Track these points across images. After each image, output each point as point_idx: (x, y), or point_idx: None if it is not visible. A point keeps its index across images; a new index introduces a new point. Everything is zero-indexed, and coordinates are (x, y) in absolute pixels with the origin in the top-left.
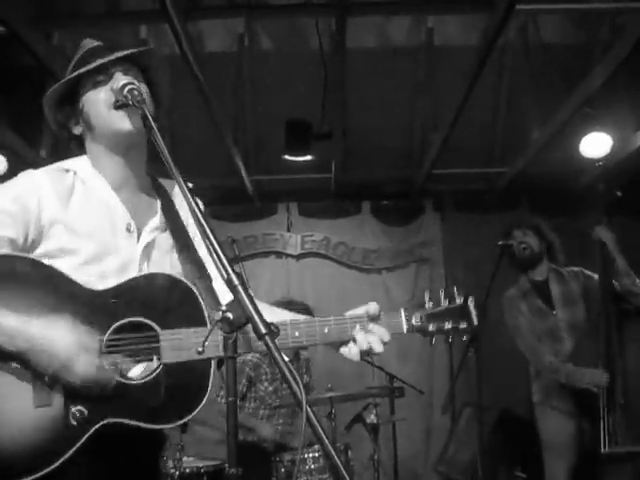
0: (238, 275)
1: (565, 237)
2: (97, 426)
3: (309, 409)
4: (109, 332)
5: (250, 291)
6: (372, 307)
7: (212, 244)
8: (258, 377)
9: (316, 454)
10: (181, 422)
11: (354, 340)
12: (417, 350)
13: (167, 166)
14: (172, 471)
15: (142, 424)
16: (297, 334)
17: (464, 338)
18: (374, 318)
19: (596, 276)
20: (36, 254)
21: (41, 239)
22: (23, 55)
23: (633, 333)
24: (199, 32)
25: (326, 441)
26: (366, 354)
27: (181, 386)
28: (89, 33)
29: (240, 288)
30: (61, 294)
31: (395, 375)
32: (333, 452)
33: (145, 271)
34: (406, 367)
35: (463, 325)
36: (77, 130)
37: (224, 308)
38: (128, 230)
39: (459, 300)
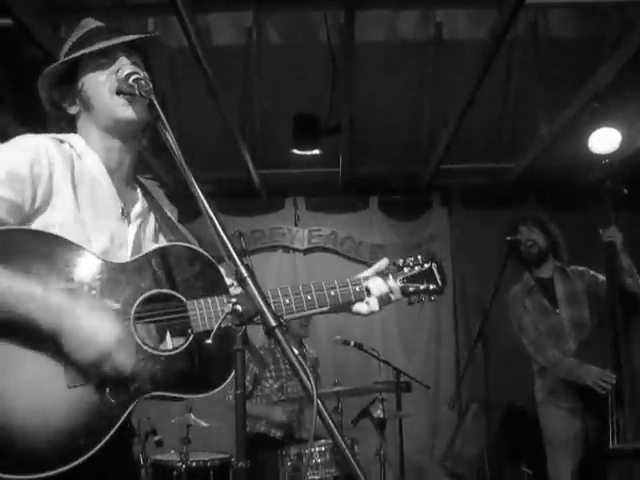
0: (247, 267)
1: (572, 233)
2: (136, 401)
3: (320, 402)
4: (136, 304)
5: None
6: (384, 263)
7: (220, 236)
8: (263, 375)
9: (322, 448)
10: (217, 390)
11: (369, 292)
12: (424, 345)
13: (174, 156)
14: (179, 464)
15: (180, 395)
16: (309, 298)
17: (432, 299)
18: (379, 274)
19: (601, 276)
20: (37, 222)
21: (46, 207)
22: (30, 48)
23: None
24: (207, 25)
25: (337, 435)
26: (385, 300)
27: (213, 354)
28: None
29: (249, 280)
30: (85, 270)
31: (402, 370)
32: (344, 446)
33: (136, 255)
34: (412, 362)
35: (432, 286)
36: (73, 110)
37: (233, 300)
38: (122, 214)
39: (427, 265)
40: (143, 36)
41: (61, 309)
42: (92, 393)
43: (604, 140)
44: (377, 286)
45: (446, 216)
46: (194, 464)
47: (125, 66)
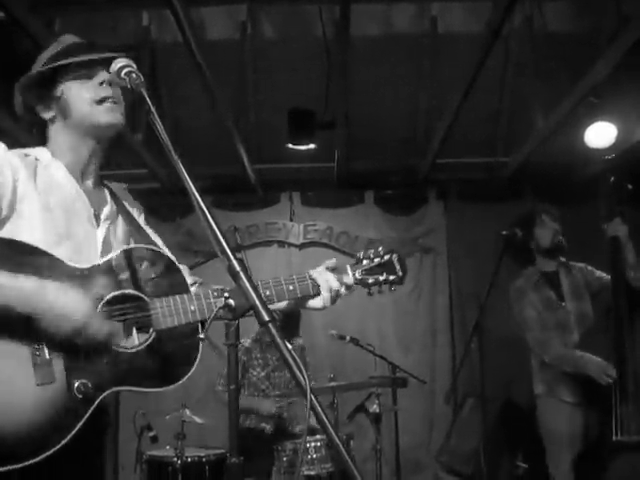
0: (240, 262)
1: (568, 228)
2: (102, 396)
3: (313, 397)
4: (101, 304)
5: (252, 278)
6: (331, 262)
7: (213, 230)
8: (250, 362)
9: (318, 443)
10: (178, 383)
11: (319, 287)
12: (419, 340)
13: (165, 150)
14: (174, 460)
15: (145, 389)
16: (268, 293)
17: (393, 289)
18: (332, 270)
19: (597, 271)
20: (7, 228)
21: (11, 215)
22: (23, 41)
23: None
24: (201, 19)
25: (331, 430)
26: (335, 295)
27: (175, 350)
28: (90, 19)
29: (242, 275)
30: (50, 274)
31: (397, 365)
32: (337, 440)
33: (105, 257)
34: (408, 357)
35: (392, 277)
36: (47, 114)
37: (226, 294)
38: (94, 217)
39: (387, 257)
40: (124, 54)
41: (33, 292)
42: (59, 390)
43: (600, 134)
44: (326, 281)
45: (442, 210)
46: (189, 460)
47: (118, 60)
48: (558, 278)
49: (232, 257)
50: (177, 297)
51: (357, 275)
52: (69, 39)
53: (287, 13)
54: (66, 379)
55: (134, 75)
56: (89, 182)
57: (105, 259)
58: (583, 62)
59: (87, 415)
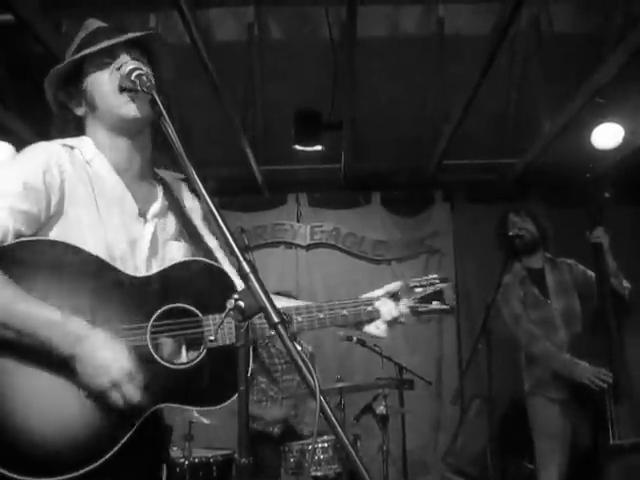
0: (250, 263)
1: (576, 229)
2: (149, 412)
3: (322, 399)
4: (153, 318)
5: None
6: (394, 286)
7: (223, 232)
8: (258, 369)
9: (325, 444)
10: (222, 405)
11: (378, 315)
12: (426, 341)
13: (176, 152)
14: (181, 461)
15: (192, 407)
16: (321, 316)
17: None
18: (391, 295)
19: (589, 271)
20: (54, 231)
21: (60, 215)
22: (32, 43)
23: (631, 329)
24: (209, 21)
25: (340, 431)
26: (393, 322)
27: (224, 370)
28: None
29: (252, 276)
30: (103, 282)
31: (404, 366)
32: (347, 442)
33: (151, 254)
34: (415, 358)
35: (444, 306)
36: (79, 111)
37: (236, 296)
38: (139, 215)
39: (440, 285)
40: (144, 33)
41: (79, 337)
42: (105, 406)
43: (607, 135)
44: (388, 311)
45: (449, 212)
46: (197, 460)
47: (127, 62)
48: (543, 275)
49: (242, 259)
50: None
51: (411, 302)
52: (93, 24)
53: (294, 15)
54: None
55: (144, 78)
56: (134, 177)
57: (160, 269)
58: (590, 63)
59: (133, 430)
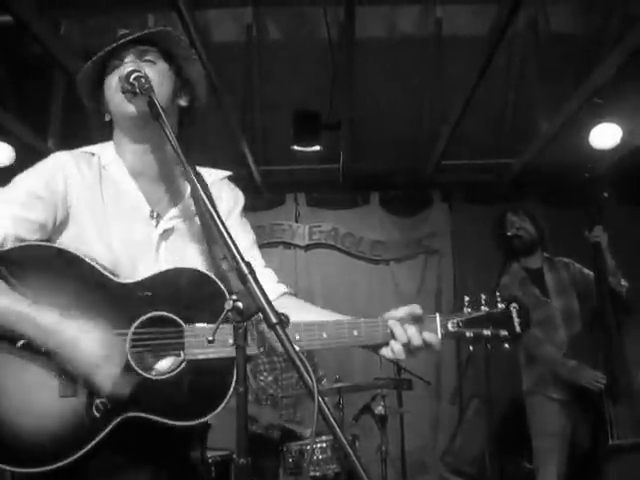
0: (248, 265)
1: (573, 229)
2: (119, 419)
3: (321, 399)
4: (135, 325)
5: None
6: (415, 307)
7: (222, 233)
8: (257, 368)
9: (324, 444)
10: (201, 421)
11: (393, 337)
12: None
13: (175, 153)
14: None
15: (162, 420)
16: (325, 336)
17: (506, 346)
18: (415, 319)
19: (586, 270)
20: (63, 237)
21: (67, 221)
22: (31, 44)
23: (630, 327)
24: (207, 22)
25: (339, 431)
26: (407, 348)
27: (204, 384)
28: (96, 22)
29: (250, 277)
30: (91, 286)
31: (403, 366)
32: (346, 442)
33: (162, 258)
34: (414, 358)
35: (504, 332)
36: (107, 116)
37: (235, 297)
38: (150, 217)
39: (501, 305)
40: (146, 31)
41: (49, 331)
42: (80, 405)
43: (605, 135)
44: (404, 333)
45: (447, 212)
46: None
47: (126, 64)
48: (542, 275)
49: (240, 260)
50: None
51: (450, 327)
52: (119, 32)
53: (292, 15)
54: (87, 396)
55: (143, 80)
56: (151, 180)
57: (150, 274)
58: (587, 63)
59: (102, 435)
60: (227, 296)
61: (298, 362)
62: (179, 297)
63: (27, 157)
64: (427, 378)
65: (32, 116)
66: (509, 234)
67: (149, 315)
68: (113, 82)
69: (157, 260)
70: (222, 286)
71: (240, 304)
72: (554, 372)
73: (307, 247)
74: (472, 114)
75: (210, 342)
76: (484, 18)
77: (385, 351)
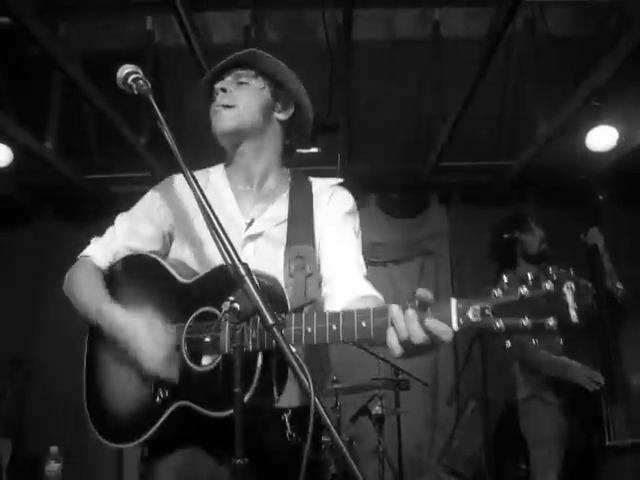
0: (245, 266)
1: (570, 231)
2: (173, 407)
3: (317, 401)
4: (189, 321)
5: (256, 282)
6: (422, 292)
7: (219, 235)
8: None
9: (322, 446)
10: (225, 414)
11: (393, 326)
12: None
13: (174, 155)
14: None
15: (203, 410)
16: (334, 328)
17: (560, 341)
18: (422, 306)
19: (583, 281)
20: (172, 248)
21: (173, 233)
22: (29, 46)
23: (627, 330)
24: (205, 24)
25: (335, 433)
26: (408, 345)
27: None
28: (95, 24)
29: (247, 279)
30: (159, 285)
31: (400, 367)
32: (342, 443)
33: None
34: (411, 360)
35: (551, 322)
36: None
37: (232, 298)
38: (244, 222)
39: (548, 285)
40: (227, 59)
41: (118, 326)
42: (147, 392)
43: (602, 138)
44: (407, 331)
45: (445, 214)
46: None
47: (125, 66)
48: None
49: (238, 261)
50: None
51: (472, 316)
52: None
53: (290, 18)
54: (154, 384)
55: (141, 82)
56: (248, 191)
57: (207, 271)
58: (585, 65)
59: (161, 421)
60: (283, 290)
61: (294, 363)
62: (222, 292)
63: (25, 159)
64: (424, 379)
65: (30, 118)
66: (506, 237)
67: (200, 311)
68: (209, 106)
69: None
70: (275, 281)
71: (237, 305)
72: (549, 374)
73: None
74: (470, 116)
75: (206, 342)
76: (482, 20)
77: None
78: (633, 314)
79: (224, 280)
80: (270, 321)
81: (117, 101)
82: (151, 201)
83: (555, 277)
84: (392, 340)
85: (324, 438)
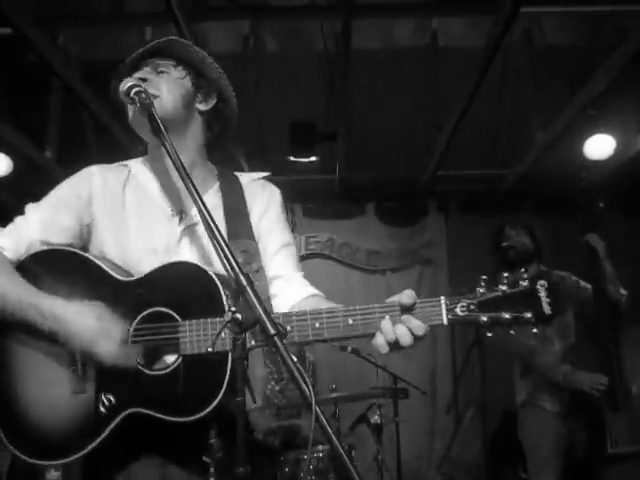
0: (246, 276)
1: (567, 239)
2: (123, 415)
3: (318, 409)
4: (135, 322)
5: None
6: (405, 296)
7: (220, 244)
8: (267, 377)
9: (320, 454)
10: (195, 417)
11: (381, 330)
12: (420, 350)
13: (174, 164)
14: None
15: (161, 416)
16: (317, 325)
17: (534, 330)
18: (408, 309)
19: (582, 282)
20: (91, 244)
21: (92, 228)
22: (28, 55)
23: (628, 336)
24: (204, 33)
25: (336, 442)
26: (395, 346)
27: (198, 379)
28: (94, 34)
29: (248, 289)
30: (95, 284)
31: (399, 376)
32: (343, 452)
33: (184, 255)
34: (409, 367)
35: (527, 315)
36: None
37: (234, 309)
38: (172, 214)
39: (525, 283)
40: (147, 46)
41: (53, 315)
42: (87, 401)
43: (599, 146)
44: (394, 332)
45: (443, 222)
46: None
47: (126, 80)
48: None
49: (239, 271)
50: (209, 321)
51: (460, 311)
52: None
53: (289, 27)
54: (95, 392)
55: (143, 95)
56: (174, 182)
57: (150, 271)
58: (582, 74)
59: (108, 431)
60: (220, 289)
61: (296, 373)
62: (177, 292)
63: (24, 168)
64: (423, 387)
65: (29, 127)
66: (504, 244)
67: (148, 311)
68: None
69: (178, 257)
70: (216, 279)
71: (239, 316)
72: (551, 380)
73: (303, 257)
74: (468, 125)
75: (210, 352)
76: (480, 30)
77: (374, 340)
78: (633, 321)
79: (174, 280)
80: (272, 331)
81: (116, 110)
82: (70, 191)
83: (531, 276)
84: (378, 339)
85: (322, 447)
